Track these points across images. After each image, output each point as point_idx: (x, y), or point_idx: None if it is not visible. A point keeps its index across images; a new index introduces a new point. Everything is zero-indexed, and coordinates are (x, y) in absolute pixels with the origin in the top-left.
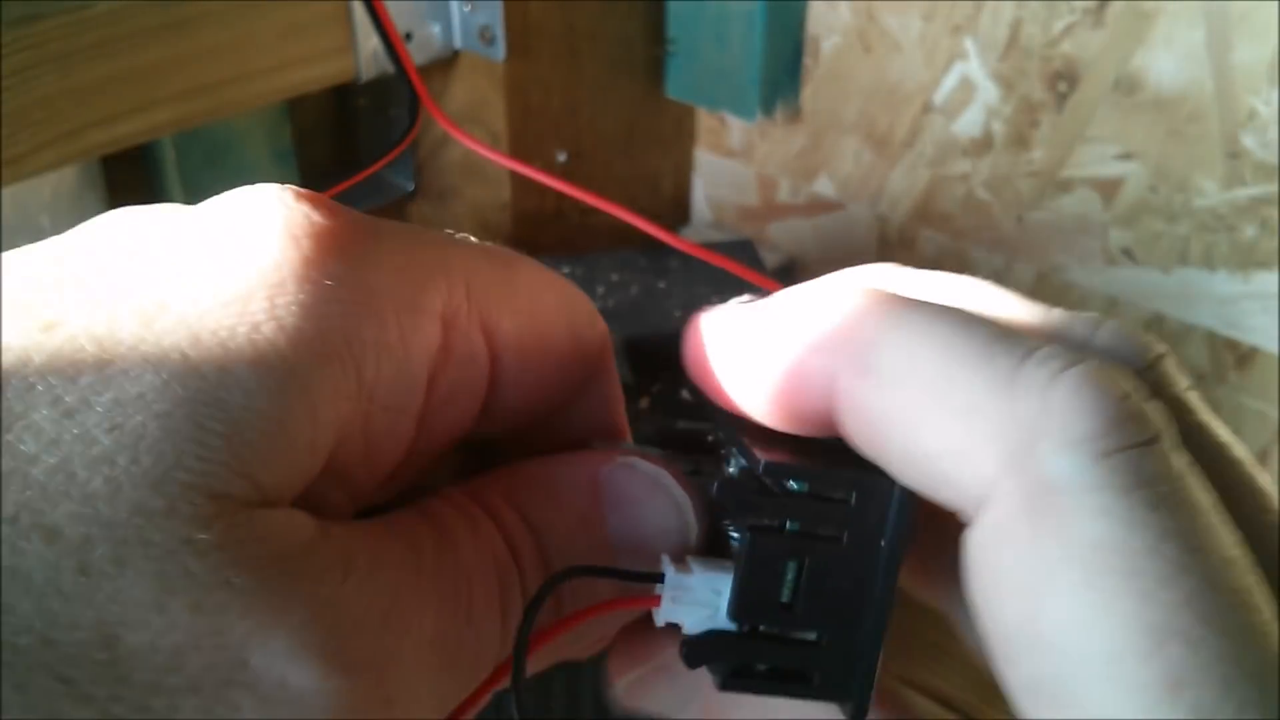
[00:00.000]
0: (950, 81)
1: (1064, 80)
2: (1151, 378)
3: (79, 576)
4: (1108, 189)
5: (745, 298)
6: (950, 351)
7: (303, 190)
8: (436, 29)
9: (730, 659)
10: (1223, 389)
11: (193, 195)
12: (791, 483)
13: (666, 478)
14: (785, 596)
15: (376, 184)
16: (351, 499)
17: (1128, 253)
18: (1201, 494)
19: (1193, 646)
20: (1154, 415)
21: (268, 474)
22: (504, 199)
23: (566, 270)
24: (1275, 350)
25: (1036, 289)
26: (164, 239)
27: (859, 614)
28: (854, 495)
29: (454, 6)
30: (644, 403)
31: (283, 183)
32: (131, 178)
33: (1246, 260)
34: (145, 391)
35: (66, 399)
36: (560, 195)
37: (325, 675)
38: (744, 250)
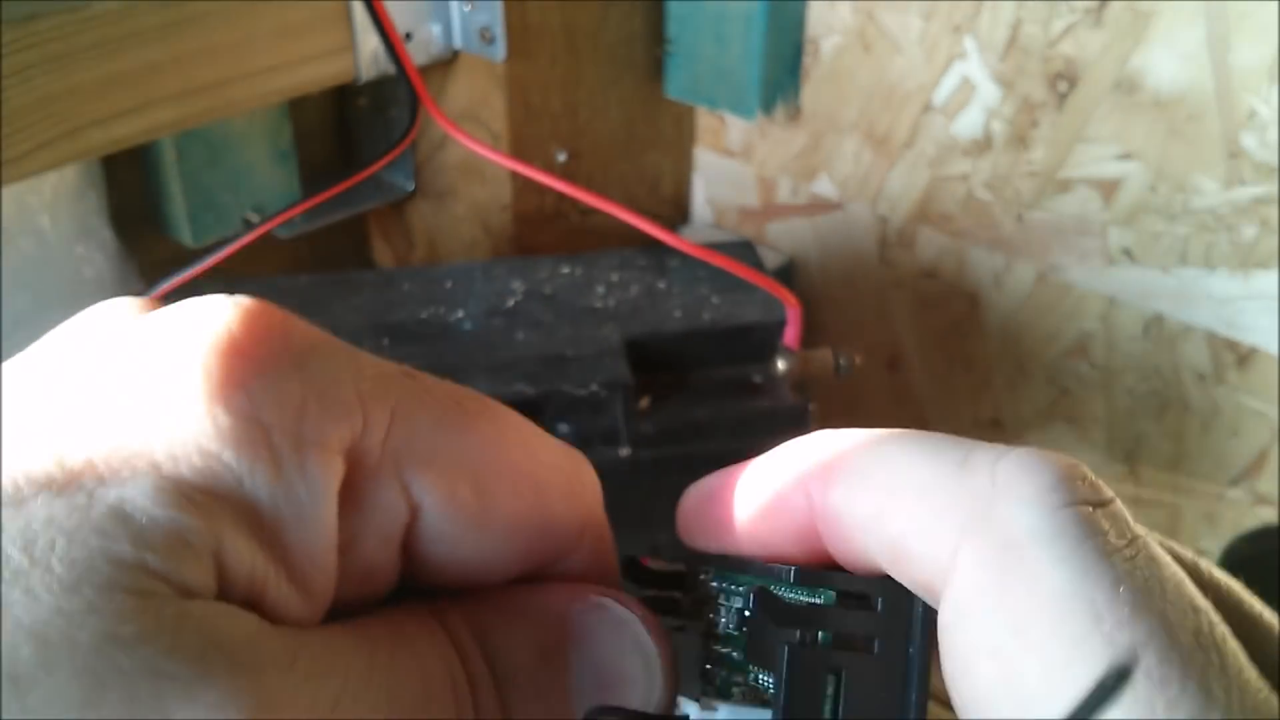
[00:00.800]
0: (950, 81)
1: (1064, 80)
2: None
3: (9, 684)
4: (1108, 189)
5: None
6: (904, 451)
7: (243, 305)
8: (436, 29)
9: None
10: (1222, 389)
11: (193, 195)
12: (815, 596)
13: (638, 625)
14: (827, 713)
15: (376, 184)
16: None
17: (1128, 253)
18: (1162, 551)
19: (1159, 686)
20: (1104, 486)
21: (182, 575)
22: (504, 199)
23: (566, 270)
24: (1275, 350)
25: (1036, 289)
26: (93, 365)
27: None
28: (880, 600)
29: (454, 6)
30: (644, 403)
31: (283, 183)
32: (131, 178)
33: (1246, 260)
34: (54, 515)
35: None
36: (560, 195)
37: None
38: (744, 250)
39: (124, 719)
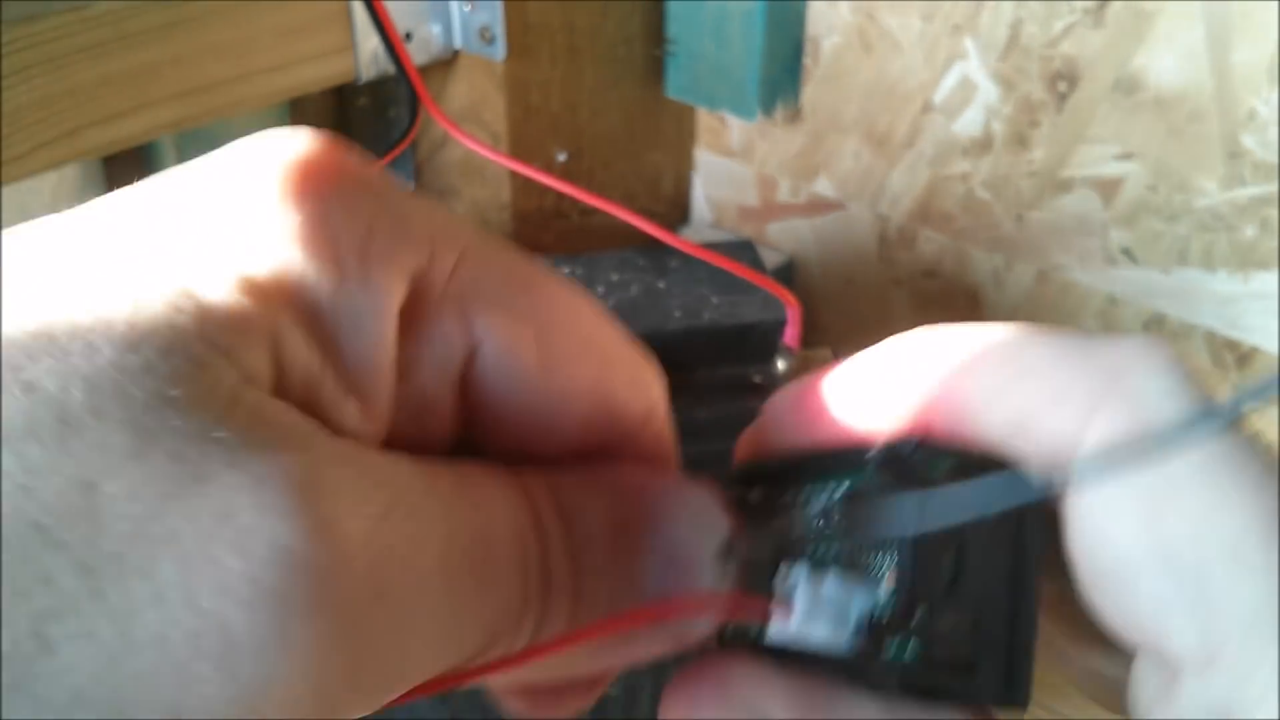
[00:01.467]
0: (950, 81)
1: (1064, 80)
2: None
3: (57, 424)
4: (1108, 189)
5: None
6: (1025, 334)
7: (324, 135)
8: (436, 29)
9: (896, 665)
10: (1223, 389)
11: None
12: (934, 466)
13: (716, 511)
14: (946, 577)
15: None
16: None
17: (1128, 253)
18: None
19: None
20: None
21: (240, 354)
22: (504, 199)
23: (566, 270)
24: (1275, 350)
25: (1036, 289)
26: (184, 180)
27: (1011, 597)
28: (998, 470)
29: (454, 6)
30: None
31: None
32: (131, 178)
33: (1246, 260)
34: (125, 283)
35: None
36: (560, 195)
37: (320, 543)
38: (744, 250)
39: (168, 473)
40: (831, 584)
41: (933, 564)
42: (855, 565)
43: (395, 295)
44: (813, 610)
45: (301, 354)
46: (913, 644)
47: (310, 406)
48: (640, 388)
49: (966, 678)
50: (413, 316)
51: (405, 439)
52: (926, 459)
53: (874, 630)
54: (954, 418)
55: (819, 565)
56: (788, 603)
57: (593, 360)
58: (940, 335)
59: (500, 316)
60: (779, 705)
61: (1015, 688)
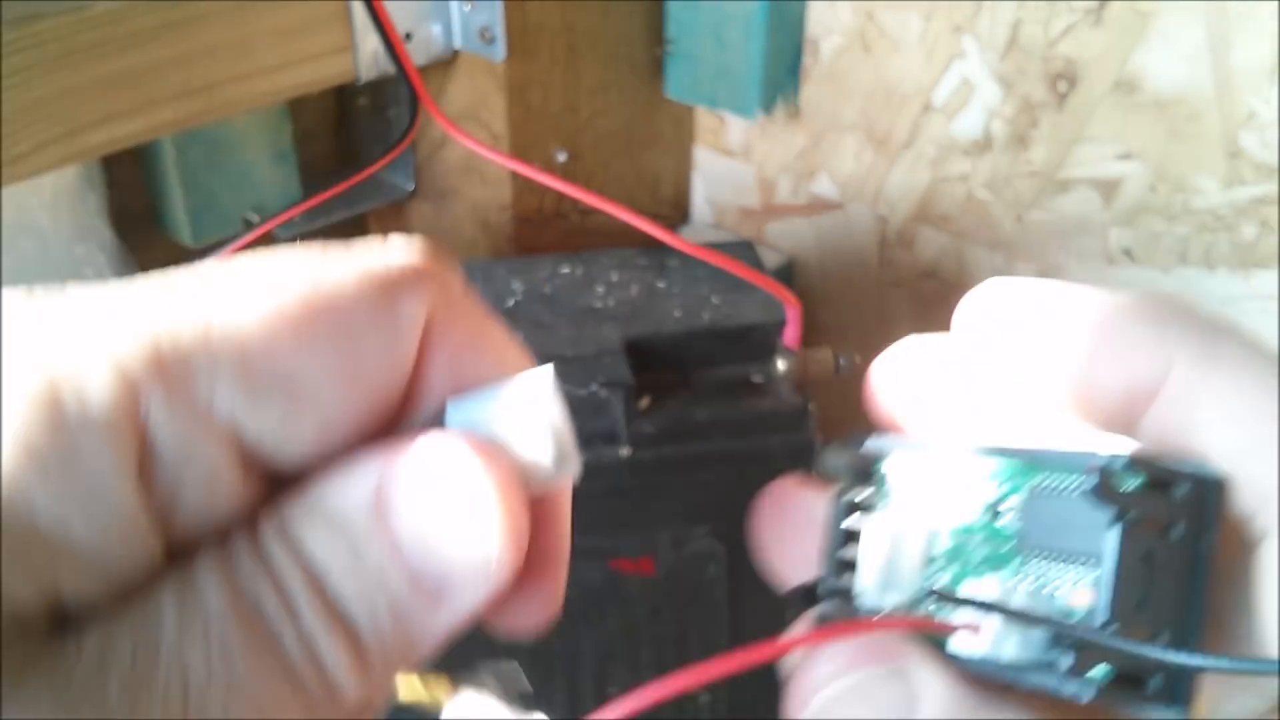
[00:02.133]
0: (950, 81)
1: (1064, 80)
2: None
3: None
4: (1108, 189)
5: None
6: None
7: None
8: (436, 29)
9: (1084, 683)
10: None
11: (193, 195)
12: (1134, 480)
13: (448, 461)
14: (1138, 597)
15: (376, 184)
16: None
17: (1128, 253)
18: None
19: None
20: None
21: None
22: (504, 199)
23: (566, 270)
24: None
25: None
26: None
27: (1186, 612)
28: (1190, 486)
29: (454, 6)
30: (644, 403)
31: (283, 183)
32: (131, 178)
33: (1246, 260)
34: None
35: None
36: (560, 195)
37: None
38: (744, 250)
39: None
40: (1022, 598)
41: (1129, 582)
42: (1042, 576)
43: (126, 454)
44: (1004, 632)
45: (25, 580)
46: (1103, 666)
47: (49, 595)
48: (389, 350)
49: (1136, 689)
50: (152, 446)
51: (199, 525)
52: (1134, 470)
53: (1065, 648)
54: (1192, 415)
55: (1004, 572)
56: (977, 621)
57: (329, 360)
58: (1179, 303)
59: (235, 382)
60: (936, 701)
61: (1181, 698)
